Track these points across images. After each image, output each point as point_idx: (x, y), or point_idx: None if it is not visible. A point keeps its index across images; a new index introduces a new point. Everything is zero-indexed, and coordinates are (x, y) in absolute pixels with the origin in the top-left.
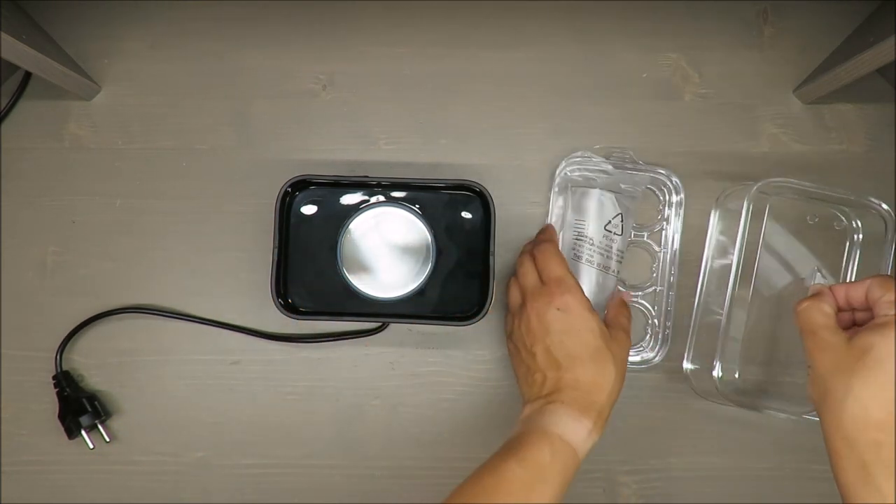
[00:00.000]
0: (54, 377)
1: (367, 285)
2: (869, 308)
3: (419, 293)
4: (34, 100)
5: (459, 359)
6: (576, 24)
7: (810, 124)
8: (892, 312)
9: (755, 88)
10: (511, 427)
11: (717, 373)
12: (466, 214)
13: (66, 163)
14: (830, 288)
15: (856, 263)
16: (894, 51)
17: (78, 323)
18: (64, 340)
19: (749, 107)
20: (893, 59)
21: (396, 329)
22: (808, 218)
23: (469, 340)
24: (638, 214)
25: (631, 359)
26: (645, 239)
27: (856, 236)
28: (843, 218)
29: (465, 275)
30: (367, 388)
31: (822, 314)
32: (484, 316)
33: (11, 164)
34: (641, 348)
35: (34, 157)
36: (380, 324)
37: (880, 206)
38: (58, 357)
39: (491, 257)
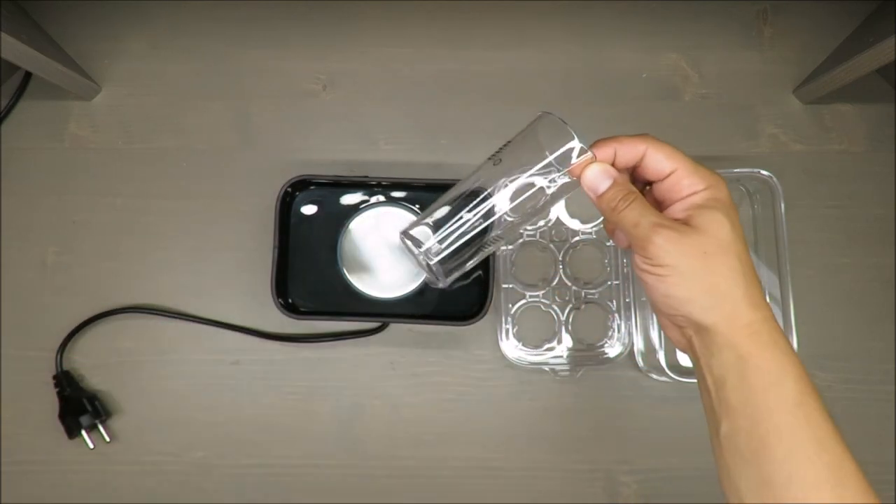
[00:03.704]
0: (54, 377)
1: (367, 285)
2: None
3: (419, 293)
4: (34, 100)
5: (459, 359)
6: (576, 24)
7: (810, 124)
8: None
9: (755, 88)
10: (510, 427)
11: (661, 351)
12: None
13: (66, 163)
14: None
15: (762, 227)
16: (894, 51)
17: (78, 323)
18: (64, 340)
19: (749, 107)
20: (893, 59)
21: (396, 329)
22: None
23: (469, 340)
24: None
25: (599, 356)
26: (592, 235)
27: (756, 206)
28: (743, 188)
29: (465, 275)
30: (367, 388)
31: (645, 204)
32: (484, 316)
33: (11, 164)
34: (608, 344)
35: (34, 157)
36: (380, 324)
37: (759, 172)
38: (58, 357)
39: (491, 257)
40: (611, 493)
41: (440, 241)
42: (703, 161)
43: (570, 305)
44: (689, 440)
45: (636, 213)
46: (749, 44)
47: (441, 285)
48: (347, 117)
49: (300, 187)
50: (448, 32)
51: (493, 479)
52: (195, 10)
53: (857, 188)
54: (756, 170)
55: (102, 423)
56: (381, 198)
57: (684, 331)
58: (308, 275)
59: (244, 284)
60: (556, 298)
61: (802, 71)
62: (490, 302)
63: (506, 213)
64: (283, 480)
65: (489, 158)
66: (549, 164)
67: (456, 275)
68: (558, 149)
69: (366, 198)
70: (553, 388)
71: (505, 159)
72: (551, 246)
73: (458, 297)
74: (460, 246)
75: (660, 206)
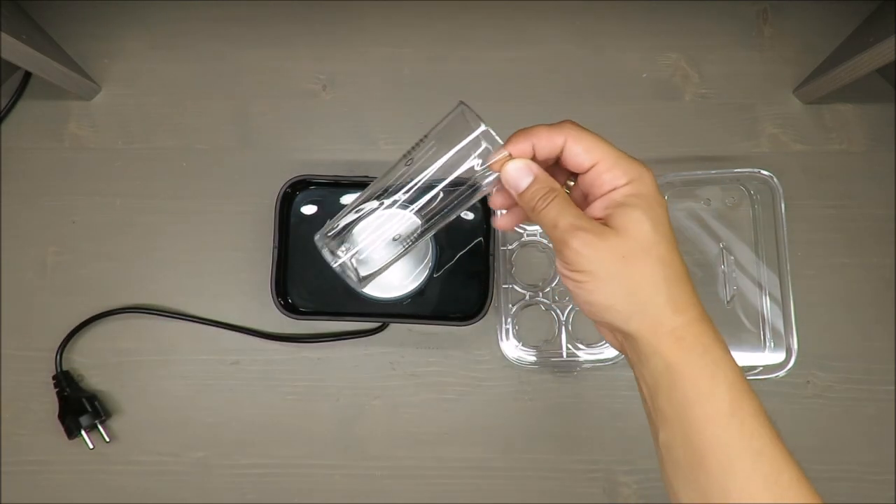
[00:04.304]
0: (54, 377)
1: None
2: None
3: (419, 293)
4: (34, 100)
5: (459, 359)
6: (576, 24)
7: (810, 124)
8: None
9: (755, 88)
10: (510, 427)
11: None
12: (467, 214)
13: (66, 163)
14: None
15: (762, 227)
16: (894, 51)
17: (78, 323)
18: (64, 340)
19: (749, 107)
20: (893, 59)
21: (396, 329)
22: (703, 203)
23: (469, 340)
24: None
25: (599, 356)
26: None
27: (756, 206)
28: (743, 188)
29: (465, 275)
30: (367, 388)
31: (565, 203)
32: (484, 316)
33: (11, 164)
34: (606, 345)
35: (34, 157)
36: (380, 324)
37: (759, 172)
38: (58, 357)
39: (491, 257)
40: (611, 493)
41: (356, 245)
42: (704, 161)
43: (570, 305)
44: None
45: (554, 213)
46: (749, 44)
47: (358, 287)
48: (347, 117)
49: (300, 187)
50: (448, 32)
51: (494, 479)
52: (195, 10)
53: (857, 188)
54: (756, 170)
55: (102, 423)
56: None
57: (615, 335)
58: (308, 275)
59: (244, 284)
60: (556, 298)
61: (802, 71)
62: (490, 302)
63: (423, 212)
64: (283, 480)
65: (402, 157)
66: (467, 159)
67: (374, 275)
68: (474, 144)
69: None
70: (553, 388)
71: (420, 157)
72: (551, 246)
73: (458, 298)
74: (377, 248)
75: (585, 199)
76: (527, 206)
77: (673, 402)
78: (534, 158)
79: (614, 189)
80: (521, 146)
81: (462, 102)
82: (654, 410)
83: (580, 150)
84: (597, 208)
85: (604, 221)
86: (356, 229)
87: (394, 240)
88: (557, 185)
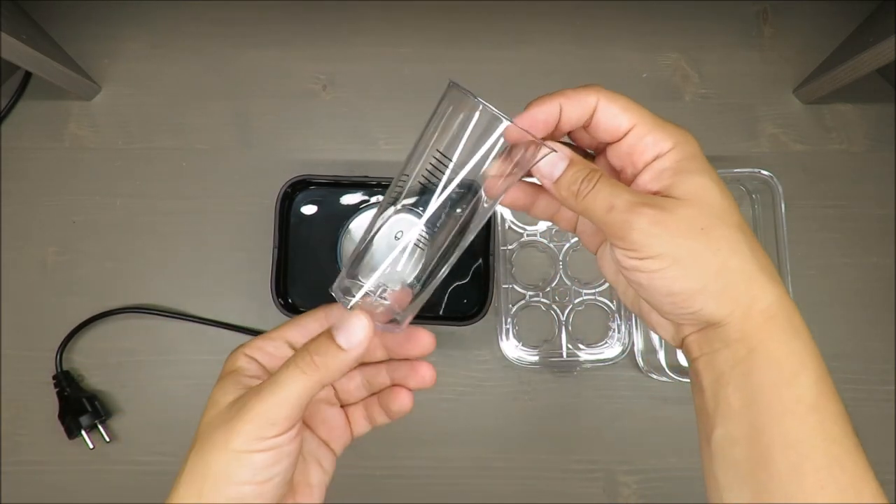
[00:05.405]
0: (54, 377)
1: None
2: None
3: (419, 293)
4: (34, 100)
5: (459, 359)
6: (576, 24)
7: (810, 124)
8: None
9: (755, 88)
10: (510, 427)
11: (661, 351)
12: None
13: (66, 163)
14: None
15: (762, 227)
16: (894, 51)
17: (78, 323)
18: (64, 340)
19: (749, 107)
20: (893, 59)
21: None
22: None
23: (469, 340)
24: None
25: (599, 356)
26: None
27: (756, 206)
28: (744, 188)
29: (465, 275)
30: None
31: (613, 181)
32: (484, 316)
33: (11, 164)
34: (608, 344)
35: (34, 157)
36: None
37: (759, 172)
38: (58, 357)
39: (491, 257)
40: (611, 493)
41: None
42: None
43: (570, 306)
44: (689, 440)
45: (606, 195)
46: (749, 44)
47: (399, 329)
48: (347, 117)
49: (300, 187)
50: (448, 32)
51: (493, 479)
52: (195, 10)
53: (857, 188)
54: (756, 170)
55: (102, 423)
56: (381, 198)
57: (682, 328)
58: (308, 275)
59: (244, 284)
60: (556, 298)
61: (802, 71)
62: (490, 302)
63: (433, 220)
64: None
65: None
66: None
67: (418, 305)
68: (488, 138)
69: (366, 198)
70: (553, 388)
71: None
72: (551, 246)
73: (459, 297)
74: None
75: (618, 176)
76: (566, 192)
77: (745, 390)
78: (558, 127)
79: (659, 156)
80: (547, 108)
81: (456, 87)
82: (714, 403)
83: (617, 110)
84: (646, 181)
85: (663, 195)
86: (371, 251)
87: (416, 246)
88: (597, 167)
